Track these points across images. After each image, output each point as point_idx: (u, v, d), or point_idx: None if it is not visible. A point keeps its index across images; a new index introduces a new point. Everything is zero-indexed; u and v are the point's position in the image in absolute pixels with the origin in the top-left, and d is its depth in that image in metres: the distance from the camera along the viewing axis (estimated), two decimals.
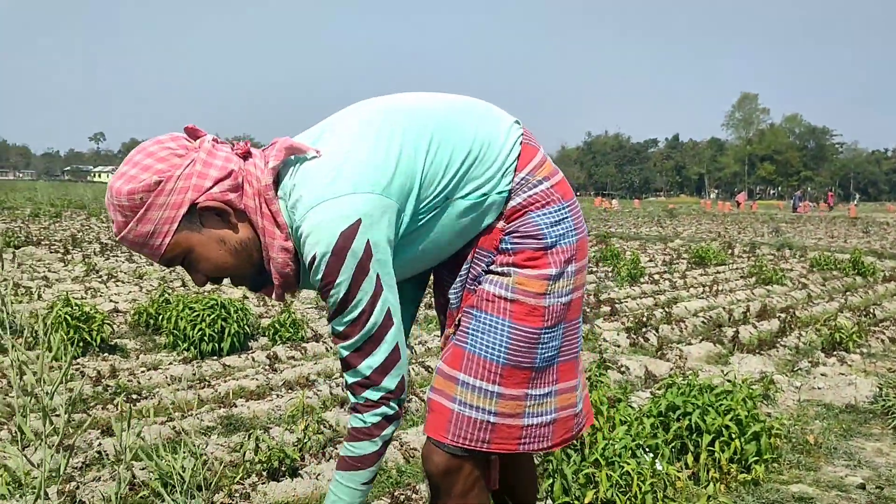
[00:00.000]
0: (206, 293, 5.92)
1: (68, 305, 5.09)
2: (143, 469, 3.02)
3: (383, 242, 1.51)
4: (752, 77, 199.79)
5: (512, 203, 1.67)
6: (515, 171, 1.66)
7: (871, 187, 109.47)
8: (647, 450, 2.84)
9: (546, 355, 1.69)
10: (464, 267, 1.72)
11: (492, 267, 1.68)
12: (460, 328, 1.70)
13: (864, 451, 3.40)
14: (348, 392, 1.60)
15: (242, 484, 2.94)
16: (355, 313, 1.50)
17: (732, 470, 2.99)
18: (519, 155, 1.68)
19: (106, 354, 5.09)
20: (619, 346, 5.90)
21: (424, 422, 1.75)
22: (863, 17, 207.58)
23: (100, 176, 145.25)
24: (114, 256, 10.73)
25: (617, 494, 2.53)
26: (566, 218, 1.70)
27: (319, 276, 1.48)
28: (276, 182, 1.56)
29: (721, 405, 3.16)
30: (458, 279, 1.73)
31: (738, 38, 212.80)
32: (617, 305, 7.61)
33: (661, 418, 3.23)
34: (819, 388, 4.55)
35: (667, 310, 7.34)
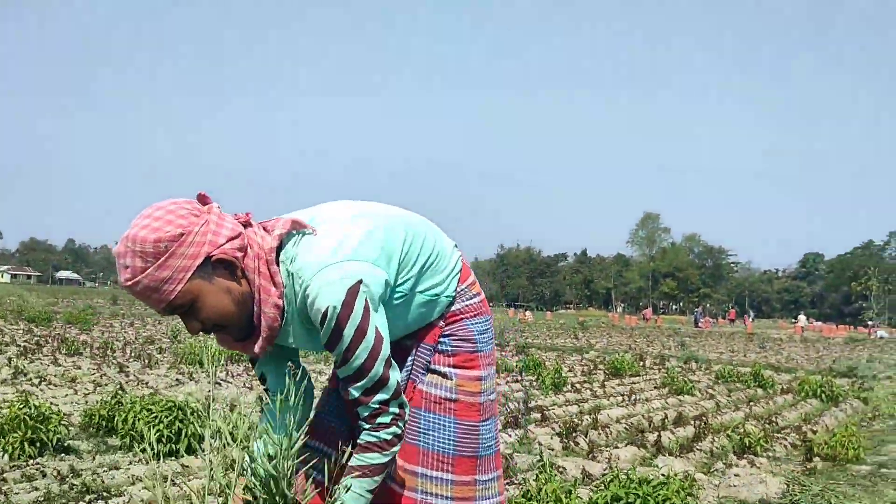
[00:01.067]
0: (161, 396, 6.06)
1: (26, 406, 5.19)
2: None
3: (378, 301, 1.76)
4: (655, 197, 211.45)
5: (453, 308, 2.01)
6: (458, 282, 2.02)
7: (764, 305, 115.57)
8: None
9: (485, 444, 2.00)
10: (409, 359, 1.99)
11: (433, 366, 1.99)
12: (411, 427, 1.96)
13: None
14: (363, 422, 1.81)
15: None
16: (362, 359, 1.73)
17: None
18: (461, 269, 2.04)
19: (63, 455, 5.18)
20: (552, 450, 6.33)
21: None
22: (748, 143, 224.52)
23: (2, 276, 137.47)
24: (37, 359, 10.56)
25: None
26: (489, 329, 2.08)
27: (331, 328, 1.70)
28: (278, 249, 1.80)
29: (658, 495, 3.63)
30: (404, 368, 1.98)
31: (641, 159, 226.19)
32: (546, 412, 8.08)
33: None
34: (734, 486, 5.08)
35: (592, 416, 7.84)
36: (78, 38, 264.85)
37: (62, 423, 5.30)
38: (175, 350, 12.49)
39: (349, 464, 1.79)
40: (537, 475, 3.85)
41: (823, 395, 10.52)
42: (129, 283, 1.63)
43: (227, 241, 1.71)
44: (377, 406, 1.78)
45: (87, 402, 7.17)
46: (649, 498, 3.60)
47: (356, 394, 1.78)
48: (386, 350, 1.76)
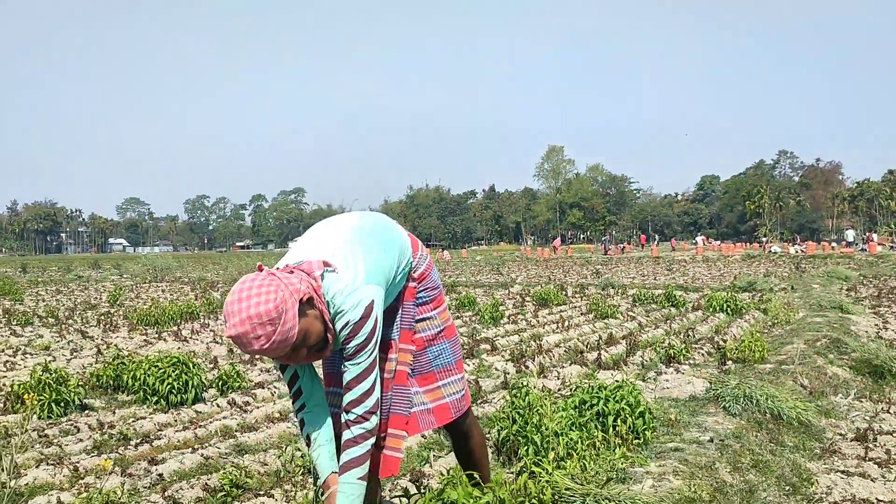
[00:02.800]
0: (165, 354, 6.64)
1: (46, 371, 5.73)
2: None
3: (380, 313, 2.43)
4: (558, 130, 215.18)
5: (418, 271, 2.75)
6: (412, 255, 2.74)
7: (666, 228, 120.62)
8: (576, 427, 4.18)
9: (460, 351, 2.89)
10: (398, 315, 2.70)
11: (420, 316, 2.75)
12: (423, 361, 2.76)
13: (707, 422, 4.92)
14: (344, 416, 2.43)
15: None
16: (363, 360, 2.39)
17: (630, 437, 4.38)
18: (411, 244, 2.77)
19: (88, 412, 5.76)
20: (508, 373, 7.26)
21: (436, 420, 2.79)
22: (649, 71, 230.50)
23: None
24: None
25: (567, 452, 3.84)
26: (438, 273, 2.89)
27: (347, 333, 2.35)
28: None
29: (616, 395, 4.56)
30: (394, 324, 2.69)
31: (544, 92, 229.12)
32: (493, 343, 9.03)
33: (575, 409, 4.57)
34: (667, 388, 6.13)
35: (537, 343, 8.84)
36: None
37: (80, 384, 5.86)
38: (126, 313, 12.85)
39: (339, 463, 2.41)
40: (517, 391, 4.70)
41: (729, 309, 11.89)
42: (267, 346, 2.16)
43: (300, 284, 2.26)
44: (363, 409, 2.42)
45: (82, 365, 7.67)
46: (609, 398, 4.53)
47: (351, 397, 2.42)
48: (376, 361, 2.46)
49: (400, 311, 2.71)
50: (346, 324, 2.34)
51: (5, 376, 7.22)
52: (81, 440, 5.02)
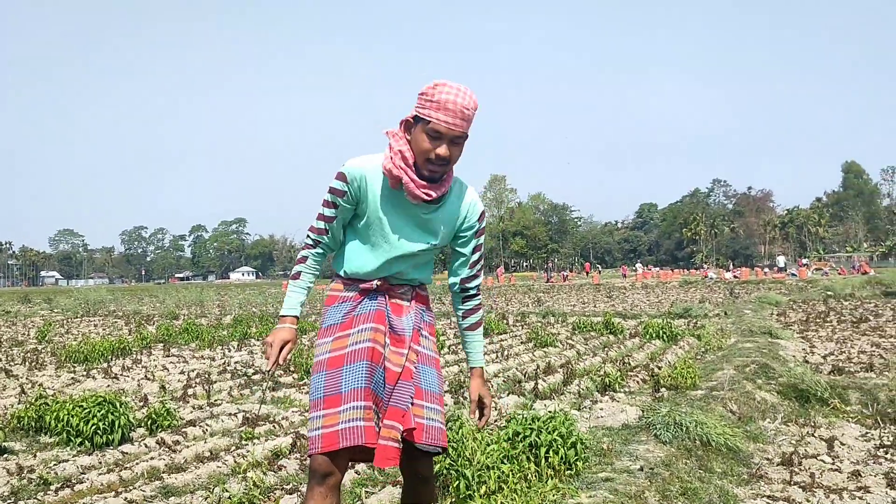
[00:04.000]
0: (91, 393, 6.42)
1: None
2: None
3: None
4: (501, 159, 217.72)
5: (424, 294, 2.84)
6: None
7: (607, 255, 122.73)
8: (508, 460, 4.18)
9: None
10: (410, 312, 2.72)
11: (423, 332, 2.75)
12: (416, 374, 2.65)
13: (639, 451, 4.98)
14: (474, 290, 2.88)
15: None
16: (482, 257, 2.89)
17: (562, 468, 4.40)
18: None
19: (6, 455, 5.53)
20: (446, 404, 7.24)
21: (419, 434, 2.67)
22: (587, 100, 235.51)
23: None
24: None
25: (499, 486, 3.83)
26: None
27: (484, 222, 2.83)
28: None
29: (548, 426, 4.59)
30: (405, 318, 2.69)
31: (487, 120, 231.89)
32: None
33: (509, 441, 4.58)
34: (601, 416, 6.19)
35: None
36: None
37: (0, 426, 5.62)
38: (54, 350, 12.42)
39: (471, 322, 2.89)
40: (450, 423, 4.69)
41: (664, 336, 12.11)
42: (473, 110, 2.54)
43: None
44: (481, 281, 2.91)
45: (3, 406, 7.37)
46: (542, 429, 4.55)
47: (476, 271, 2.86)
48: None
49: (413, 312, 2.74)
50: (480, 214, 2.80)
51: None
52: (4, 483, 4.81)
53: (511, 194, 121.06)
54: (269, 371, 3.08)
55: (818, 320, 15.05)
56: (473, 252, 2.81)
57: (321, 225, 2.73)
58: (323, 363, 2.62)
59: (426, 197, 2.56)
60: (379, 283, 2.69)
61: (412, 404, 2.58)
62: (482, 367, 2.85)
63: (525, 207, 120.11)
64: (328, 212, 2.70)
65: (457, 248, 2.83)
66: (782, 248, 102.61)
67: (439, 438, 2.63)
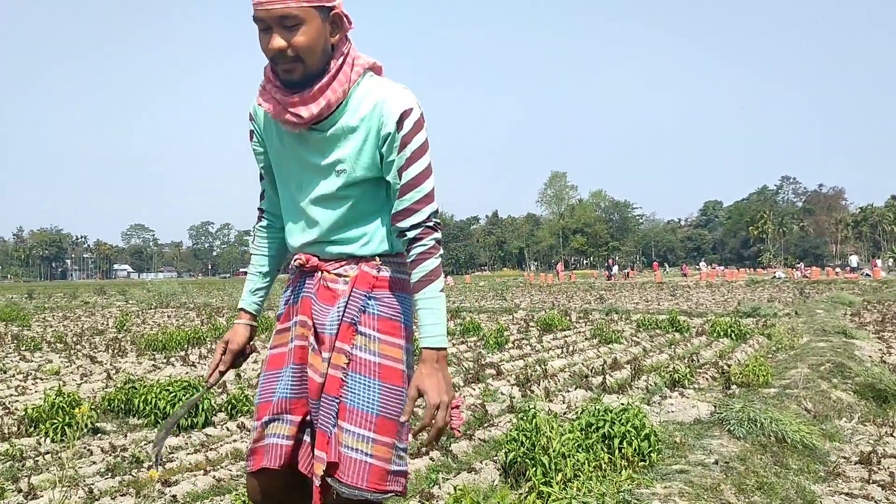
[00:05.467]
0: (176, 378, 6.72)
1: (60, 395, 5.81)
2: None
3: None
4: (561, 156, 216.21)
5: (384, 273, 2.06)
6: (399, 253, 2.11)
7: (669, 253, 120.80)
8: (583, 449, 4.25)
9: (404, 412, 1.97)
10: (340, 301, 2.02)
11: (360, 327, 2.01)
12: (352, 391, 1.98)
13: (712, 445, 4.99)
14: (413, 231, 1.96)
15: None
16: (423, 166, 1.95)
17: (635, 459, 4.44)
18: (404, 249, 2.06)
19: (100, 435, 5.84)
20: (514, 398, 7.32)
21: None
22: (651, 96, 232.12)
23: None
24: (2, 357, 10.88)
25: (574, 473, 3.91)
26: (411, 305, 2.10)
27: (412, 124, 1.93)
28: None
29: (621, 418, 4.63)
30: (333, 310, 2.01)
31: (547, 117, 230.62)
32: (499, 367, 9.09)
33: (581, 432, 4.64)
34: (672, 412, 6.19)
35: (542, 367, 8.90)
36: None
37: (94, 408, 5.94)
38: (133, 339, 12.94)
39: (413, 281, 1.98)
40: (523, 414, 4.77)
41: (733, 334, 11.94)
42: None
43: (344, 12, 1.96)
44: (426, 216, 1.96)
45: (93, 390, 7.76)
46: (615, 421, 4.60)
47: (408, 203, 1.96)
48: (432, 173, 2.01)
49: (346, 299, 2.02)
50: (407, 110, 1.95)
51: (17, 400, 7.30)
52: (95, 463, 5.09)
53: (571, 191, 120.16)
54: (205, 384, 2.46)
55: (895, 321, 14.61)
56: (399, 174, 1.96)
57: (261, 187, 2.30)
58: (264, 362, 2.19)
59: (294, 119, 1.93)
60: (305, 257, 2.10)
61: (335, 426, 1.98)
62: (433, 350, 1.93)
63: (586, 204, 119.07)
64: (258, 167, 2.25)
65: (385, 177, 2.01)
66: (855, 247, 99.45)
67: (362, 479, 1.95)
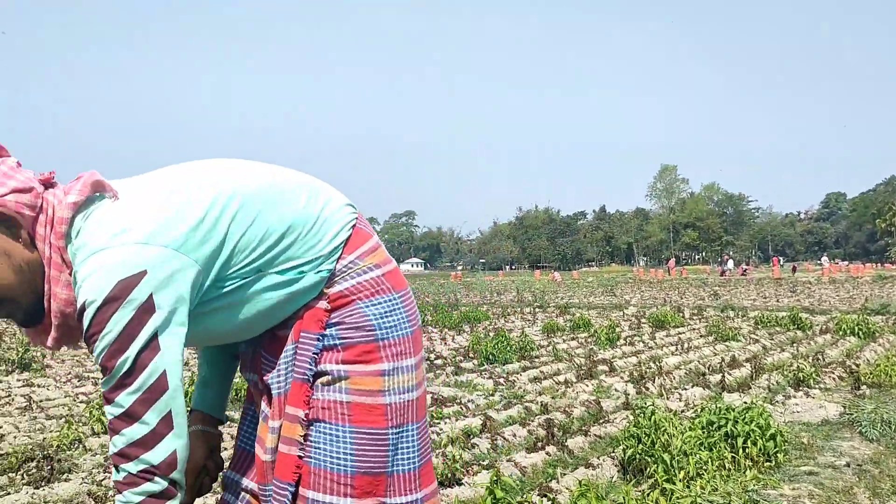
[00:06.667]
0: None
1: None
2: None
3: (171, 301, 1.35)
4: (671, 148, 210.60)
5: (337, 288, 1.57)
6: (342, 254, 1.58)
7: (787, 248, 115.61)
8: (705, 447, 4.17)
9: (404, 457, 1.57)
10: (287, 348, 1.57)
11: (321, 367, 1.54)
12: (295, 468, 1.54)
13: (843, 447, 4.79)
14: (113, 468, 1.37)
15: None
16: (121, 372, 1.33)
17: (760, 459, 4.33)
18: (348, 238, 1.60)
19: None
20: (628, 394, 7.23)
21: None
22: (767, 84, 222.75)
23: None
24: None
25: (697, 472, 3.84)
26: (397, 309, 1.60)
27: (85, 327, 1.33)
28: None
29: (745, 417, 4.52)
30: (281, 362, 1.57)
31: (655, 111, 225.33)
32: (612, 363, 9.00)
33: (703, 430, 4.55)
34: (797, 412, 5.97)
35: (657, 364, 8.74)
36: None
37: None
38: None
39: None
40: (641, 410, 4.72)
41: (861, 333, 11.35)
42: None
43: (11, 193, 1.36)
44: (125, 444, 1.34)
45: None
46: (738, 420, 4.49)
47: (109, 417, 1.36)
48: (160, 368, 1.35)
49: (292, 348, 1.57)
50: (80, 309, 1.34)
51: None
52: None
53: (682, 184, 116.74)
54: None
55: None
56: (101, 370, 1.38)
57: None
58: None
59: (46, 347, 1.52)
60: None
61: None
62: None
63: (698, 198, 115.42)
64: None
65: None
66: None
67: None
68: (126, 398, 1.33)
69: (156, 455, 1.33)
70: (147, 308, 1.31)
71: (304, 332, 1.55)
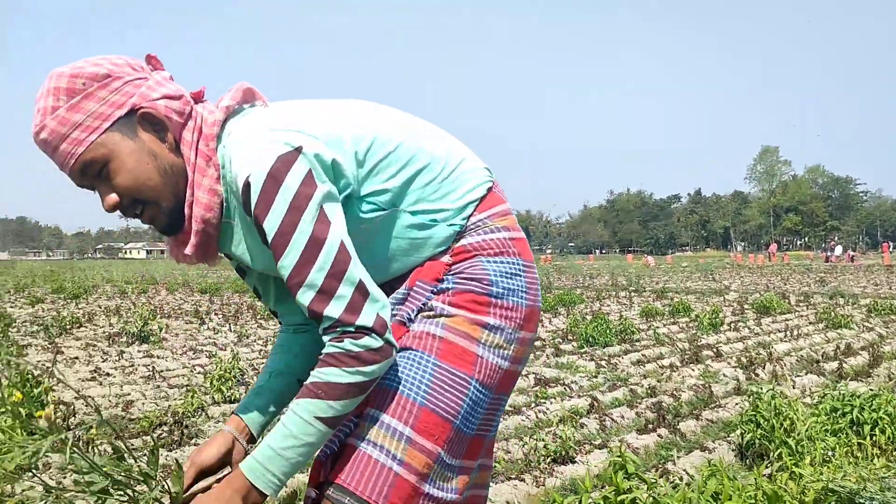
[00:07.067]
0: None
1: None
2: None
3: (327, 180, 1.37)
4: (772, 130, 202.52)
5: (462, 242, 1.54)
6: (474, 212, 1.55)
7: None
8: (831, 433, 4.04)
9: (469, 415, 1.48)
10: (399, 290, 1.56)
11: (429, 303, 1.51)
12: None
13: None
14: (325, 336, 1.37)
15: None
16: (299, 249, 1.32)
17: (890, 448, 4.16)
18: (483, 197, 1.58)
19: None
20: (737, 380, 7.06)
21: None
22: (878, 63, 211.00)
23: (130, 252, 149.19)
24: (244, 324, 12.04)
25: (823, 458, 3.73)
26: (519, 274, 1.55)
27: (253, 202, 1.33)
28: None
29: (872, 404, 4.34)
30: (388, 300, 1.46)
31: (756, 92, 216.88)
32: (717, 349, 8.78)
33: (826, 416, 4.40)
34: None
35: (767, 350, 8.49)
36: None
37: None
38: None
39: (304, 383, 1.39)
40: (757, 395, 4.60)
41: None
42: (37, 128, 1.34)
43: (162, 98, 1.41)
44: (336, 317, 1.34)
45: None
46: (864, 406, 4.32)
47: (305, 301, 1.35)
48: (338, 238, 1.35)
49: (404, 292, 1.56)
50: (244, 187, 1.35)
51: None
52: None
53: (784, 167, 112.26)
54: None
55: None
56: (274, 253, 1.37)
57: None
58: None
59: (183, 260, 1.53)
60: None
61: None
62: (245, 479, 1.36)
63: (801, 181, 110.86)
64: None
65: None
66: None
67: (377, 491, 1.38)
68: (317, 275, 1.33)
69: (364, 319, 1.33)
70: (308, 182, 1.33)
71: (420, 280, 1.53)
